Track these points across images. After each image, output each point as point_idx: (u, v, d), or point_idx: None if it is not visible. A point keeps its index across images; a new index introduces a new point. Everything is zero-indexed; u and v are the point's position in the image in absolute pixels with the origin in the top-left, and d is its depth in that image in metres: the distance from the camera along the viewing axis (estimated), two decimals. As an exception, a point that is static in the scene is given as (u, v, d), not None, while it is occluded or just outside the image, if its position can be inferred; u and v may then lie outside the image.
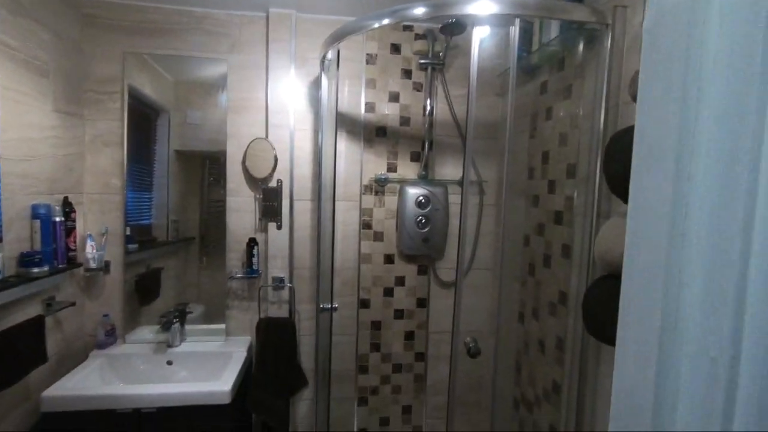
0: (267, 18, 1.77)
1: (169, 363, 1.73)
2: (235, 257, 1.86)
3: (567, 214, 1.39)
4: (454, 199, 1.89)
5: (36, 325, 1.39)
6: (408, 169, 1.92)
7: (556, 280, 1.46)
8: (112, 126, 1.76)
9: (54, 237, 1.51)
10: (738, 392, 0.31)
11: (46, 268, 1.43)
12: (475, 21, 1.15)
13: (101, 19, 1.72)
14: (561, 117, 1.45)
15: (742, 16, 0.31)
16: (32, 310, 1.45)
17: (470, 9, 1.11)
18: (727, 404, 0.32)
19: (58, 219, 1.52)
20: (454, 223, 1.90)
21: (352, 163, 1.89)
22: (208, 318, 1.91)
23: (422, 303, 1.99)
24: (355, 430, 1.98)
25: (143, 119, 1.84)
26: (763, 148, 0.31)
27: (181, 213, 1.93)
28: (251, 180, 1.83)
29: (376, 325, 1.97)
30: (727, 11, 0.32)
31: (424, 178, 1.88)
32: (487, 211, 1.94)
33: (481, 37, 1.19)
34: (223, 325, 1.88)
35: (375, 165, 1.90)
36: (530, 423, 1.63)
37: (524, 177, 1.72)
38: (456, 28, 1.56)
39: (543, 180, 1.56)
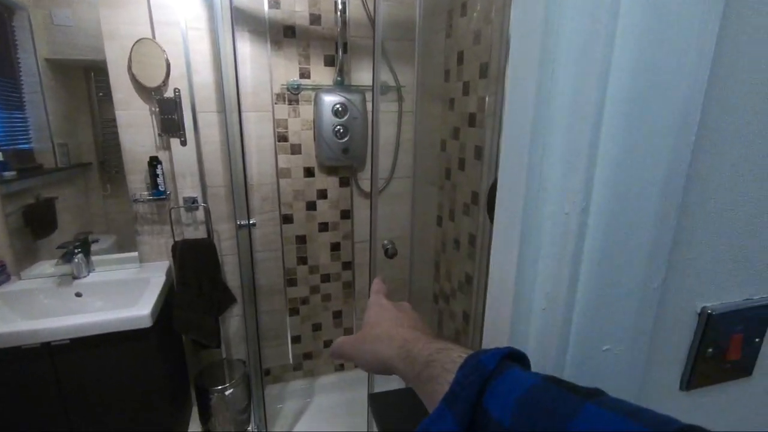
0: None
1: (78, 295, 1.62)
2: (137, 179, 1.69)
3: (479, 115, 1.41)
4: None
5: None
6: (323, 75, 1.79)
7: (469, 182, 1.52)
8: (-56, 23, 1.41)
9: None
10: (586, 239, 0.34)
11: None
12: None
13: None
14: (476, 12, 1.39)
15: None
16: None
17: None
18: (577, 247, 0.34)
19: None
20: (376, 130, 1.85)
21: (261, 69, 1.72)
22: (121, 247, 1.79)
23: (346, 214, 2.00)
24: (289, 337, 2.07)
25: (-10, 17, 1.49)
26: (616, 38, 0.31)
27: (69, 135, 1.69)
28: (142, 90, 1.60)
29: (301, 239, 1.97)
30: None
31: (341, 84, 1.78)
32: (407, 117, 1.91)
33: None
34: (135, 253, 1.77)
35: (286, 70, 1.75)
36: (447, 313, 1.80)
37: (441, 80, 1.69)
38: None
39: (458, 82, 1.55)
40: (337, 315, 2.14)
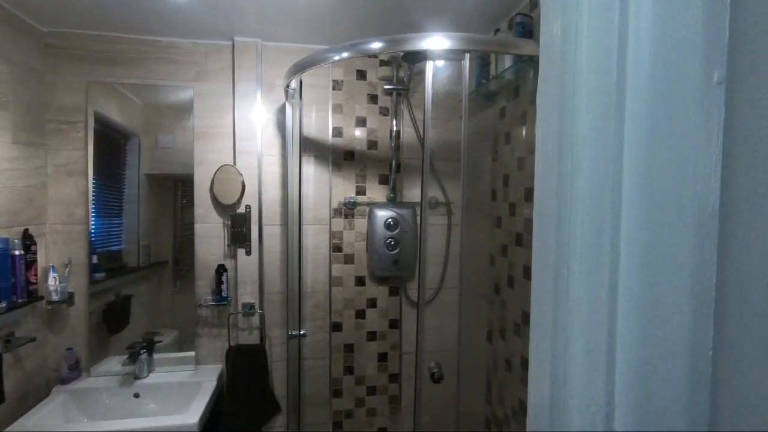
0: (233, 47, 1.79)
1: (136, 396, 1.69)
2: (204, 284, 1.84)
3: (526, 236, 1.43)
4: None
5: (-8, 364, 1.35)
6: (377, 192, 1.94)
7: (519, 301, 1.49)
8: (76, 155, 1.75)
9: (13, 271, 1.47)
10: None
11: (3, 305, 1.40)
12: (430, 55, 1.19)
13: (63, 49, 1.71)
14: (518, 142, 1.50)
15: (601, 62, 0.35)
16: (-11, 349, 1.41)
17: (424, 44, 1.15)
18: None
19: (17, 253, 1.49)
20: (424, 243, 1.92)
21: (322, 187, 1.90)
22: (181, 345, 1.88)
23: (394, 324, 2.00)
24: (330, 455, 1.97)
25: (112, 145, 1.83)
26: (623, 183, 0.35)
27: (153, 237, 1.91)
28: (219, 206, 1.82)
29: (349, 348, 1.97)
30: (590, 59, 0.36)
31: (393, 201, 1.91)
32: (457, 231, 1.97)
33: (437, 66, 1.24)
34: (192, 353, 1.85)
35: (344, 188, 1.92)
36: (501, 442, 1.64)
37: (488, 198, 1.76)
38: (417, 56, 1.60)
39: (505, 202, 1.61)
40: (382, 432, 2.02)
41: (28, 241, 1.56)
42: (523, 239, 1.46)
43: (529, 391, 0.43)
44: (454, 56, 1.26)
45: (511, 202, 1.55)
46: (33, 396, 1.62)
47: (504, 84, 1.53)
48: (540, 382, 0.40)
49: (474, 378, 1.83)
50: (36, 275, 1.59)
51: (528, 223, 1.42)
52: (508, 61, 1.40)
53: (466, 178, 1.31)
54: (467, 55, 1.17)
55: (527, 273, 1.43)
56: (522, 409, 1.47)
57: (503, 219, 1.62)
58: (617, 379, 0.34)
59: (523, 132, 1.47)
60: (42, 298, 1.62)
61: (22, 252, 1.51)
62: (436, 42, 1.14)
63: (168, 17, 1.60)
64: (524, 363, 1.46)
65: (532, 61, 1.31)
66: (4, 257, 1.43)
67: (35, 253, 1.58)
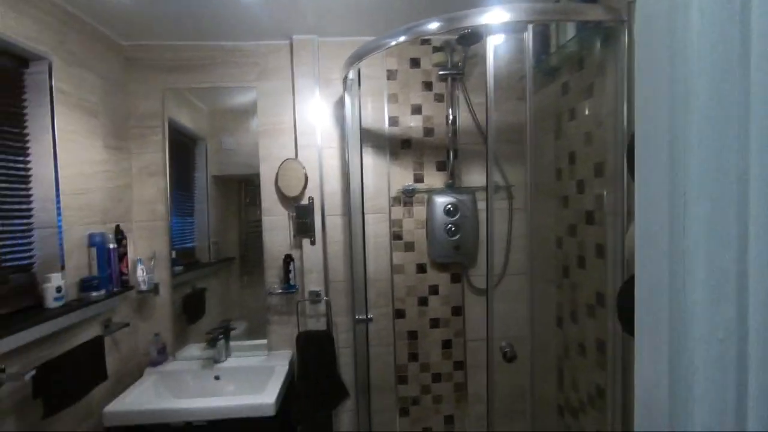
0: (291, 45, 1.87)
1: (217, 378, 1.81)
2: (272, 274, 1.93)
3: (598, 213, 1.37)
4: (483, 205, 1.89)
5: (96, 345, 1.50)
6: (435, 179, 1.94)
7: (592, 281, 1.43)
8: (156, 157, 1.90)
9: (109, 263, 1.63)
10: (749, 372, 0.32)
11: (103, 292, 1.55)
12: (489, 30, 1.17)
13: (141, 60, 1.87)
14: (585, 116, 1.43)
15: (718, 17, 0.33)
16: (92, 331, 1.57)
17: (483, 19, 1.14)
18: (740, 383, 0.33)
19: (111, 246, 1.65)
20: (484, 229, 1.89)
21: (380, 176, 1.93)
22: (251, 334, 1.99)
23: (458, 311, 1.98)
24: (398, 441, 1.99)
25: (182, 149, 1.97)
26: (750, 144, 0.33)
27: (221, 235, 2.03)
28: (284, 199, 1.91)
29: (412, 335, 1.98)
30: (705, 13, 0.34)
31: (451, 187, 1.90)
32: (518, 215, 1.92)
33: (496, 44, 1.22)
34: (265, 341, 1.95)
35: (402, 177, 1.94)
36: (576, 430, 1.58)
37: (552, 178, 1.70)
38: (472, 37, 1.59)
39: (571, 180, 1.55)
40: (449, 420, 2.01)
41: (119, 235, 1.72)
42: (594, 217, 1.40)
43: (637, 326, 0.41)
44: (514, 29, 1.23)
45: (579, 179, 1.49)
46: (129, 376, 1.79)
47: (566, 57, 1.48)
48: (652, 310, 0.39)
49: (544, 363, 1.78)
50: (127, 267, 1.74)
51: (599, 200, 1.36)
52: (570, 32, 1.34)
53: (533, 159, 1.27)
54: (530, 27, 1.14)
55: (600, 252, 1.37)
56: (599, 393, 1.41)
57: (570, 198, 1.56)
58: (750, 302, 0.32)
59: (590, 105, 1.40)
60: (132, 287, 1.78)
61: (115, 245, 1.67)
62: (496, 15, 1.12)
63: (233, 22, 1.70)
64: (600, 346, 1.39)
65: (599, 29, 1.25)
66: (102, 250, 1.59)
67: (125, 246, 1.74)
